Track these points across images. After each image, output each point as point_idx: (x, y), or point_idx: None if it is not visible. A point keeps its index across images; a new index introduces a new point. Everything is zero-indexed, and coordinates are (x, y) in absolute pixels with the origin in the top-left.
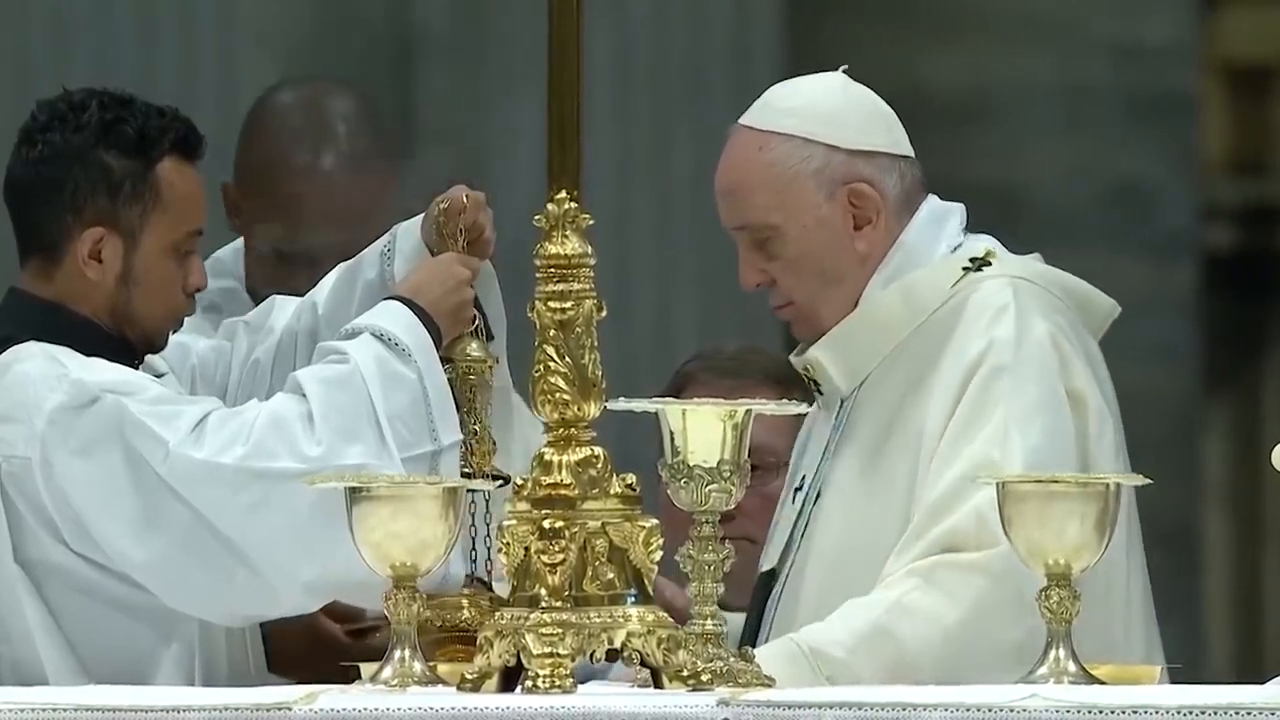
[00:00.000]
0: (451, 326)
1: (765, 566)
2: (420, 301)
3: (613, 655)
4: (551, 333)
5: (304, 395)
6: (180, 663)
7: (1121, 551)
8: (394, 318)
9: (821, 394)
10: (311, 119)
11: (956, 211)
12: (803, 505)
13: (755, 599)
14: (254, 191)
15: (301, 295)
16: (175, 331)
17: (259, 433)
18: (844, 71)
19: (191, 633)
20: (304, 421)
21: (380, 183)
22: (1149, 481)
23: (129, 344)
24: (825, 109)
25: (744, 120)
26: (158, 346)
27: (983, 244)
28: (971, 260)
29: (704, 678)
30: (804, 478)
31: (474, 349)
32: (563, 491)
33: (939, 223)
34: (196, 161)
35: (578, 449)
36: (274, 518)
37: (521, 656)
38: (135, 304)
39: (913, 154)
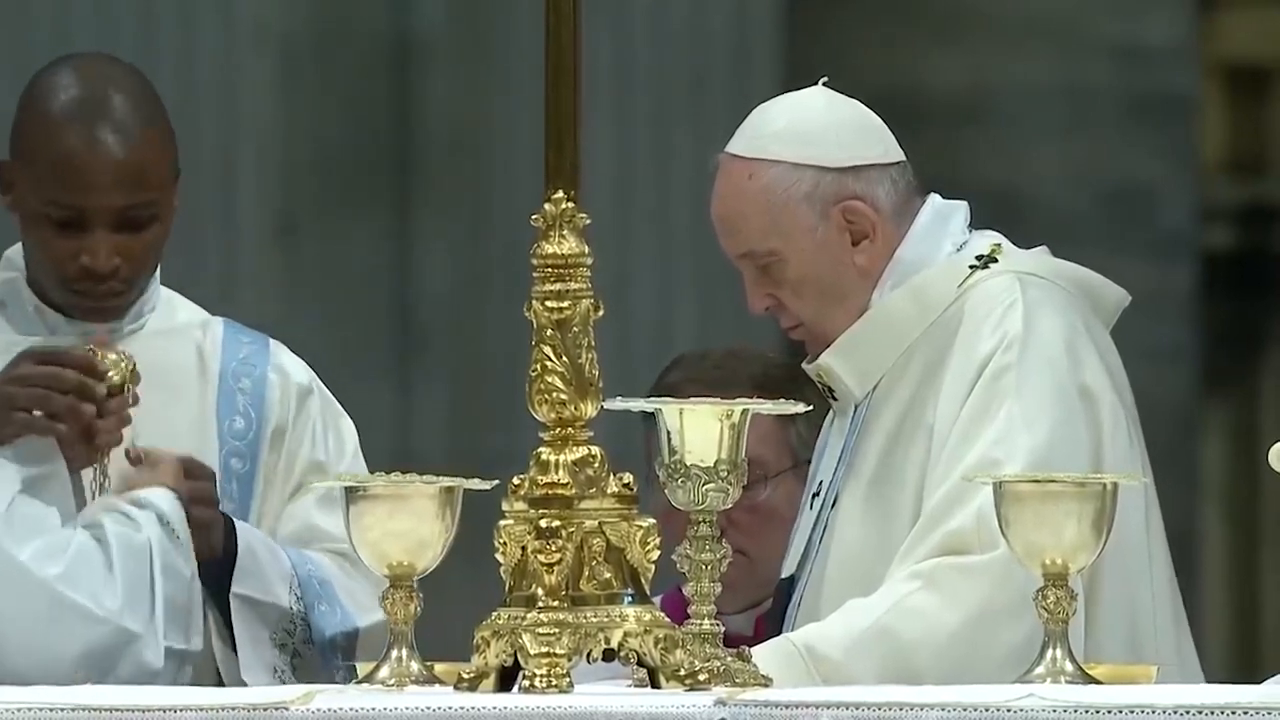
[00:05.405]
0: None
1: (785, 573)
2: (188, 505)
3: (610, 655)
4: (548, 332)
5: (107, 543)
6: None
7: (1143, 535)
8: (172, 508)
9: (836, 400)
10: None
11: (959, 209)
12: (820, 511)
13: (776, 605)
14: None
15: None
16: None
17: (72, 560)
18: (824, 84)
19: None
20: (105, 571)
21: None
22: (1146, 481)
23: None
24: (809, 129)
25: (731, 149)
26: None
27: (988, 240)
28: (978, 258)
29: (701, 677)
30: (821, 483)
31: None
32: (559, 491)
33: (941, 223)
34: None
35: (575, 448)
36: (30, 634)
37: (519, 656)
38: None
39: (903, 158)
